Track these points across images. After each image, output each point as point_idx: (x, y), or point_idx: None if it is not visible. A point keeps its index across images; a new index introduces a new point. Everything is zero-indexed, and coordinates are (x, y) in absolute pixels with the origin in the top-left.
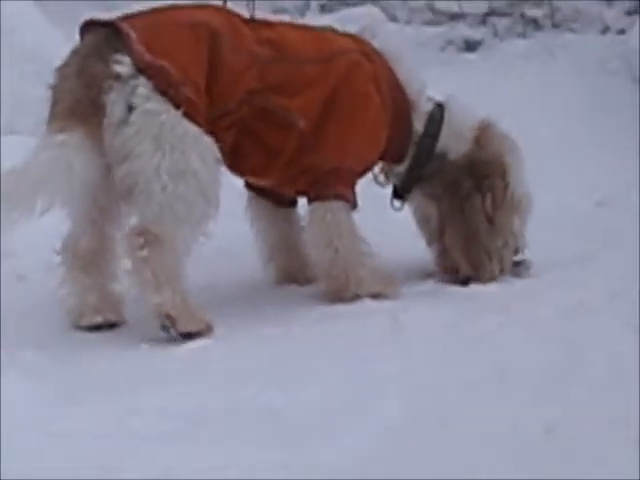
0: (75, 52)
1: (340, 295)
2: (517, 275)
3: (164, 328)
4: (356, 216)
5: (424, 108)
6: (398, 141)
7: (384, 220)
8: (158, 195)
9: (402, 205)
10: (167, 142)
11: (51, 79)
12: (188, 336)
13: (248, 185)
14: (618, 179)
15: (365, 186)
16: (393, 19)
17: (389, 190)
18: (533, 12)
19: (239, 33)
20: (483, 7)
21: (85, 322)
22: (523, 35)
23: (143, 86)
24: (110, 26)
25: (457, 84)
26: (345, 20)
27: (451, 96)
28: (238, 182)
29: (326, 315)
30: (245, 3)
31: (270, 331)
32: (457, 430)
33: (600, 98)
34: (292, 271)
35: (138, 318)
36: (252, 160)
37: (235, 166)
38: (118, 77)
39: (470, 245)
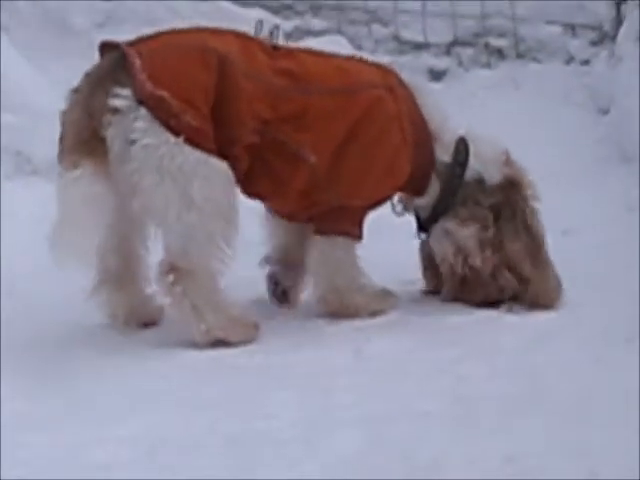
0: (87, 75)
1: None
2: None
3: (214, 346)
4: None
5: (449, 138)
6: (419, 174)
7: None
8: (174, 225)
9: (428, 236)
10: (168, 173)
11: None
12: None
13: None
14: (582, 209)
15: None
16: (359, 48)
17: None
18: (497, 42)
19: (254, 60)
20: (448, 37)
21: (119, 324)
22: (488, 65)
23: (142, 119)
24: (120, 50)
25: None
26: None
27: (469, 127)
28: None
29: (289, 346)
30: (254, 27)
31: (232, 361)
32: (414, 461)
33: (564, 129)
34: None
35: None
36: (261, 187)
37: (246, 189)
38: (116, 111)
39: (538, 255)
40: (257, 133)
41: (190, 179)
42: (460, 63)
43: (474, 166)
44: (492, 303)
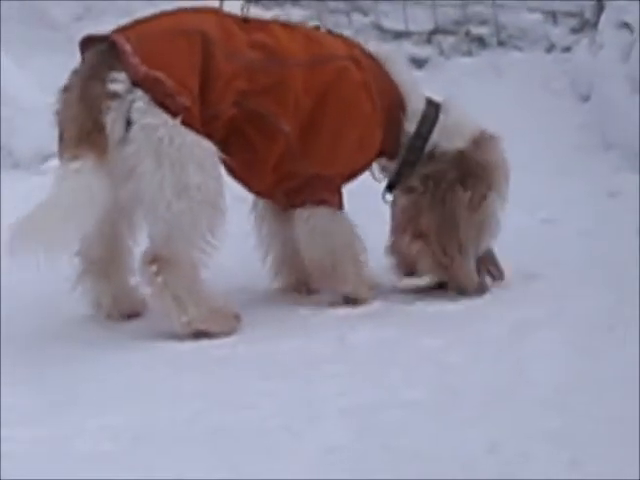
0: (75, 72)
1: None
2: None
3: (196, 337)
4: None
5: (414, 108)
6: (390, 140)
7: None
8: (163, 213)
9: (392, 199)
10: (167, 157)
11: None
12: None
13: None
14: (563, 196)
15: None
16: None
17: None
18: (478, 30)
19: (232, 37)
20: (428, 25)
21: (102, 314)
22: (469, 53)
23: (140, 99)
24: (106, 41)
25: None
26: None
27: (451, 98)
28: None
29: (271, 336)
30: (240, 5)
31: (215, 352)
32: (399, 449)
33: (545, 116)
34: (298, 283)
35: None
36: (237, 160)
37: (225, 165)
38: (115, 95)
39: (447, 234)
40: (235, 105)
41: (186, 163)
42: (441, 51)
43: (435, 138)
44: None
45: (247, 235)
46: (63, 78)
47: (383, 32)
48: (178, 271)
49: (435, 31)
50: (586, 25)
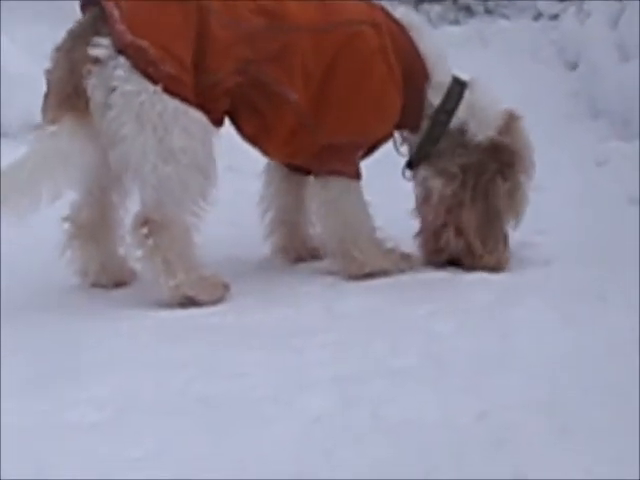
0: (69, 32)
1: (348, 272)
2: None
3: (183, 305)
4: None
5: (440, 80)
6: (412, 110)
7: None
8: (150, 177)
9: (413, 176)
10: (149, 121)
11: None
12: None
13: None
14: (551, 164)
15: None
16: None
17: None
18: None
19: (233, 4)
20: None
21: (89, 282)
22: (456, 22)
23: (121, 67)
24: (99, 5)
25: None
26: None
27: (476, 77)
28: None
29: (260, 305)
30: None
31: (203, 321)
32: (388, 418)
33: (533, 84)
34: (289, 248)
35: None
36: (250, 127)
37: (238, 130)
38: (97, 61)
39: (488, 228)
40: (240, 73)
41: (169, 128)
42: (429, 20)
43: (461, 115)
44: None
45: (236, 204)
46: (49, 47)
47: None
48: (169, 234)
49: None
50: None
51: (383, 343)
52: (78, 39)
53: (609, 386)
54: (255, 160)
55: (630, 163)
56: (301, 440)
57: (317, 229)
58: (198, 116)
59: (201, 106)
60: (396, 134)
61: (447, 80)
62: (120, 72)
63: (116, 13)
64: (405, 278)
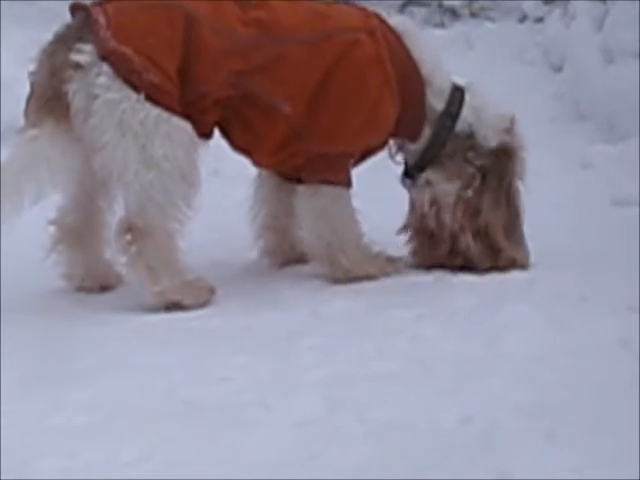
0: (55, 35)
1: (334, 276)
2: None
3: (169, 309)
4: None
5: (441, 86)
6: (411, 118)
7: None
8: (133, 184)
9: (413, 183)
10: (130, 129)
11: None
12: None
13: None
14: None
15: None
16: None
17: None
18: (451, 1)
19: (223, 14)
20: None
21: (74, 286)
22: (441, 25)
23: (104, 74)
24: (86, 10)
25: None
26: None
27: (472, 82)
28: None
29: (246, 309)
30: None
31: (189, 325)
32: (373, 421)
33: (518, 87)
34: (278, 253)
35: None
36: (240, 140)
37: (228, 142)
38: (78, 66)
39: (513, 228)
40: (230, 86)
41: (151, 136)
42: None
43: (467, 119)
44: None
45: (221, 209)
46: (36, 50)
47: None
48: (152, 241)
49: (407, 2)
50: None
51: (369, 346)
52: (61, 43)
53: (595, 388)
54: (241, 165)
55: (615, 165)
56: (287, 444)
57: (303, 234)
58: (182, 124)
59: (189, 117)
60: (391, 142)
61: (448, 85)
62: (102, 79)
63: (102, 19)
64: (390, 282)
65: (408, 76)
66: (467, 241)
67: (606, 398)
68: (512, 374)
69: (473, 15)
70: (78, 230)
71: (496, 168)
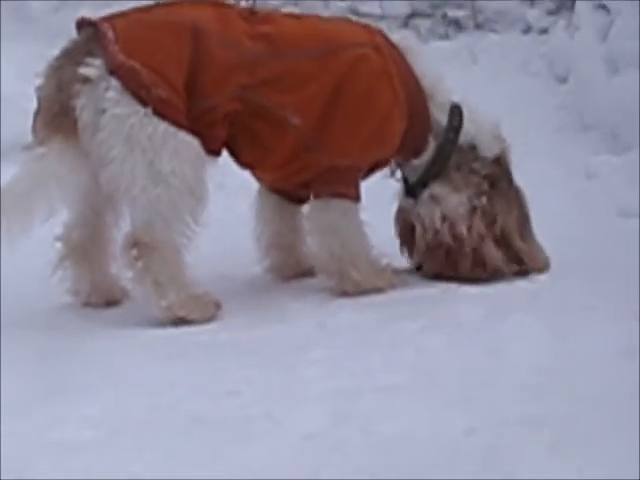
0: (62, 50)
1: (342, 289)
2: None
3: (175, 324)
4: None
5: (443, 100)
6: (416, 134)
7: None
8: (140, 198)
9: (416, 201)
10: (138, 144)
11: None
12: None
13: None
14: (541, 178)
15: None
16: None
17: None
18: (455, 13)
19: (230, 28)
20: (405, 9)
21: (81, 301)
22: (446, 36)
23: (113, 89)
24: (94, 25)
25: None
26: None
27: (464, 97)
28: None
29: (252, 322)
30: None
31: (195, 339)
32: (378, 433)
33: (523, 98)
34: (285, 269)
35: (66, 326)
36: (248, 155)
37: (234, 159)
38: (87, 80)
39: (527, 231)
40: (237, 100)
41: (159, 151)
42: (418, 35)
43: (469, 131)
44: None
45: (227, 222)
46: (40, 68)
47: (360, 16)
48: (159, 256)
49: (412, 15)
50: (563, 6)
51: (374, 359)
52: (69, 57)
53: (599, 399)
54: (246, 179)
55: (620, 176)
56: (293, 456)
57: (311, 248)
58: (188, 139)
59: (197, 132)
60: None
61: (448, 99)
62: (111, 94)
63: (110, 34)
64: (396, 294)
65: (412, 91)
66: (490, 250)
67: (610, 409)
68: (517, 385)
69: (477, 27)
70: (84, 246)
71: (502, 173)
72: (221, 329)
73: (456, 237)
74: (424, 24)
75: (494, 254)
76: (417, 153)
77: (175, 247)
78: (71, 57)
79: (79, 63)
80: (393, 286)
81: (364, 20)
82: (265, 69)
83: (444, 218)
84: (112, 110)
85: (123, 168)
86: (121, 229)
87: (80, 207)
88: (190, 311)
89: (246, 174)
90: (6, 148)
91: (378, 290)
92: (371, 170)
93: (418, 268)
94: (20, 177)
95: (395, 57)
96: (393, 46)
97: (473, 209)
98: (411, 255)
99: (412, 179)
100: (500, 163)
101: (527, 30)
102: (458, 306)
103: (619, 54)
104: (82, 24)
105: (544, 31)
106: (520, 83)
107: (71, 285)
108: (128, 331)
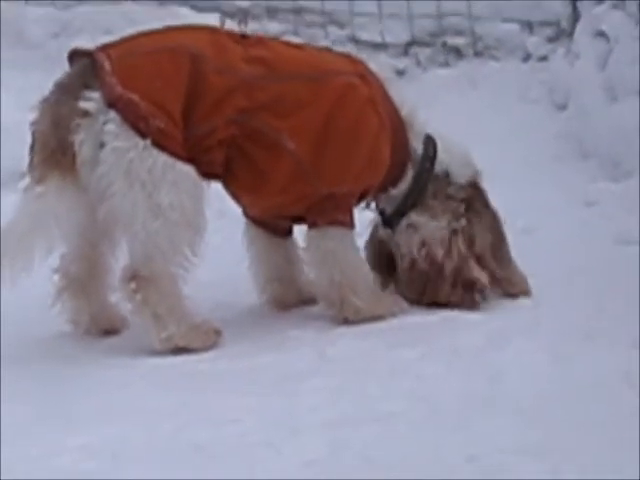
0: (56, 84)
1: (343, 317)
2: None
3: (175, 353)
4: None
5: (419, 129)
6: (397, 162)
7: None
8: (139, 233)
9: (392, 233)
10: (138, 178)
11: None
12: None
13: (246, 213)
14: (540, 206)
15: None
16: None
17: None
18: (455, 41)
19: (225, 53)
20: (405, 37)
21: (81, 331)
22: (446, 64)
23: (112, 122)
24: (89, 56)
25: None
26: None
27: (432, 125)
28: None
29: (252, 350)
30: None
31: (195, 367)
32: (378, 461)
33: (522, 125)
34: (285, 301)
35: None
36: (245, 180)
37: (228, 186)
38: (86, 114)
39: (501, 250)
40: (234, 124)
41: (158, 184)
42: (418, 63)
43: (444, 160)
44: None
45: (226, 249)
46: (39, 96)
47: (359, 44)
48: (157, 289)
49: (412, 43)
50: (562, 34)
51: (374, 386)
52: (65, 92)
53: (599, 426)
54: None
55: (619, 203)
56: None
57: (310, 276)
58: (186, 169)
59: (193, 159)
60: None
61: (424, 129)
62: (110, 127)
63: (107, 65)
64: (395, 321)
65: (394, 120)
66: (473, 269)
67: (611, 436)
68: (517, 412)
69: (477, 54)
70: (82, 278)
71: (477, 196)
72: (221, 357)
73: (435, 261)
74: (424, 52)
75: (478, 273)
76: (395, 182)
77: (173, 279)
78: (67, 91)
79: (77, 97)
80: (392, 313)
81: (364, 48)
82: (262, 92)
83: (423, 243)
84: (112, 144)
85: (123, 203)
86: (118, 258)
87: (77, 240)
88: (191, 341)
89: None
90: (6, 177)
91: (378, 317)
92: (362, 196)
93: None
94: (19, 218)
95: (377, 86)
96: (374, 75)
97: (454, 232)
98: (385, 285)
99: (389, 209)
100: (476, 187)
101: (527, 58)
102: (457, 333)
103: (618, 82)
104: (76, 54)
105: (543, 58)
106: (520, 110)
107: (70, 316)
108: (128, 360)
